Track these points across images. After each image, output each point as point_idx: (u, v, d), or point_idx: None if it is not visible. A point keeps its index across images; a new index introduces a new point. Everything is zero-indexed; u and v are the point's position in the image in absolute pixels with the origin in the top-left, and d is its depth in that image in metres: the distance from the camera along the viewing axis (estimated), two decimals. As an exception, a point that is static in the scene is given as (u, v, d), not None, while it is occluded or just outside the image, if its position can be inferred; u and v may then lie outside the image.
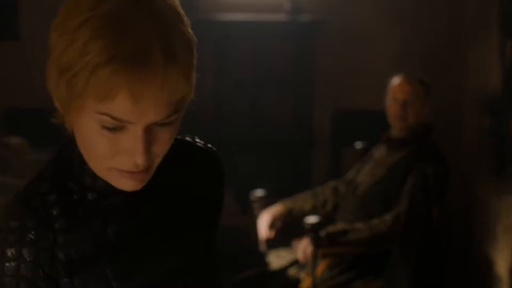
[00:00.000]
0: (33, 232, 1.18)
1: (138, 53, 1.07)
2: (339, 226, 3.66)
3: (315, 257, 3.46)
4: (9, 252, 1.17)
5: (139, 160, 1.13)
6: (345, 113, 5.94)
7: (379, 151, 3.89)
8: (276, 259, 3.87)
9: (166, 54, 1.11)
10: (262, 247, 3.90)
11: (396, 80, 3.83)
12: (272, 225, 3.82)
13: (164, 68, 1.10)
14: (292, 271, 3.78)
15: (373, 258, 3.62)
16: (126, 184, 1.18)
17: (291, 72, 5.77)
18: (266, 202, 4.00)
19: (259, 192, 4.06)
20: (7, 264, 1.18)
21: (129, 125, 1.11)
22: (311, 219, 3.48)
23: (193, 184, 1.37)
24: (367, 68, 5.84)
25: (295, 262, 3.79)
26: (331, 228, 3.60)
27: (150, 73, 1.08)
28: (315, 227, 3.42)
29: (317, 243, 3.43)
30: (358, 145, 4.21)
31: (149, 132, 1.13)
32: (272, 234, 3.83)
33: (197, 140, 1.44)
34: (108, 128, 1.11)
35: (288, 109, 5.77)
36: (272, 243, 3.92)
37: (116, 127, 1.11)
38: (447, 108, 5.67)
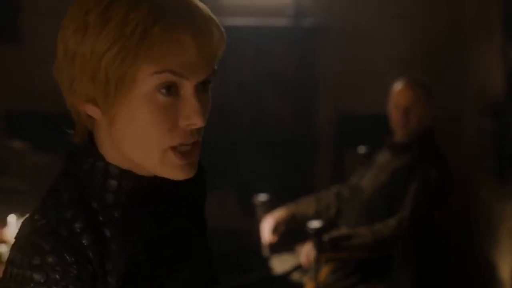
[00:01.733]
0: (74, 266, 1.13)
1: (184, 8, 1.17)
2: (342, 231, 3.65)
3: (318, 261, 3.46)
4: None
5: (196, 119, 1.17)
6: (348, 116, 5.94)
7: (382, 156, 3.88)
8: (279, 264, 3.86)
9: (207, 10, 1.23)
10: (265, 251, 3.89)
11: (397, 86, 3.82)
12: (275, 230, 3.82)
13: (210, 20, 1.23)
14: (295, 276, 3.77)
15: (376, 262, 3.62)
16: (181, 170, 1.19)
17: (293, 76, 5.77)
18: (269, 207, 3.99)
19: (262, 197, 4.06)
20: None
21: (182, 86, 1.16)
22: (314, 224, 3.48)
23: (195, 192, 1.41)
24: (369, 72, 5.84)
25: (298, 267, 3.79)
26: (334, 233, 3.60)
27: (203, 24, 1.19)
28: (318, 232, 3.42)
29: (320, 248, 3.43)
30: (361, 149, 4.20)
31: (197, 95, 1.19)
32: (275, 238, 3.82)
33: None
34: (164, 93, 1.14)
35: (291, 113, 5.77)
36: (275, 248, 3.91)
37: (172, 87, 1.15)
38: (449, 109, 5.66)
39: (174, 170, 1.19)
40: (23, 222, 1.19)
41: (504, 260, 4.59)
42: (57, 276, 1.11)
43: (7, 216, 3.00)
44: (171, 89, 1.15)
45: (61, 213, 1.16)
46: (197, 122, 1.18)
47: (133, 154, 1.19)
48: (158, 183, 1.24)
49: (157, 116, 1.15)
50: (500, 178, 5.17)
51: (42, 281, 1.11)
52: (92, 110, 1.18)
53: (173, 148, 1.18)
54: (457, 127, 5.77)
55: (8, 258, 1.16)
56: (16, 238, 1.17)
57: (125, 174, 1.22)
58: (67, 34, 1.16)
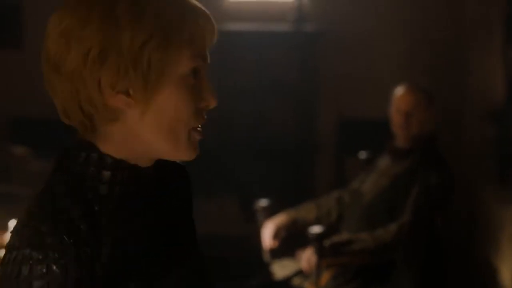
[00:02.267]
0: (73, 248, 1.16)
1: (193, 2, 1.29)
2: (343, 236, 3.66)
3: (319, 267, 3.46)
4: (56, 269, 1.15)
5: (213, 100, 1.30)
6: (349, 122, 5.95)
7: (384, 161, 3.89)
8: (280, 269, 3.87)
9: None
10: (266, 257, 3.90)
11: (398, 91, 3.83)
12: (276, 235, 3.82)
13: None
14: (296, 281, 3.77)
15: (377, 267, 3.62)
16: (195, 149, 1.31)
17: (295, 81, 5.78)
18: (270, 212, 4.00)
19: (263, 202, 4.06)
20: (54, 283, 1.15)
21: (200, 70, 1.28)
22: (315, 229, 3.48)
23: (182, 189, 1.46)
24: (370, 77, 5.85)
25: (299, 272, 3.79)
26: (335, 238, 3.60)
27: (207, 14, 1.31)
28: (319, 237, 3.43)
29: (321, 253, 3.43)
30: (362, 155, 4.21)
31: None
32: (276, 244, 3.83)
33: None
34: (193, 76, 1.25)
35: (292, 118, 5.78)
36: (276, 253, 3.92)
37: (197, 71, 1.27)
38: (450, 113, 5.67)
39: (193, 149, 1.30)
40: (20, 217, 1.21)
41: (505, 264, 4.59)
42: (56, 255, 1.14)
43: (8, 221, 3.02)
44: (196, 72, 1.27)
45: (57, 203, 1.20)
46: (214, 103, 1.30)
47: (161, 139, 1.26)
48: (151, 173, 1.32)
49: (188, 98, 1.26)
50: (501, 182, 5.18)
51: (40, 257, 1.13)
52: (124, 101, 1.22)
53: (194, 129, 1.29)
54: (458, 131, 5.78)
55: (7, 245, 1.18)
56: (13, 229, 1.19)
57: (119, 164, 1.26)
58: (88, 34, 1.19)
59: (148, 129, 1.25)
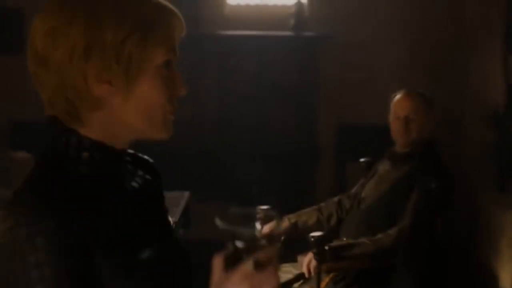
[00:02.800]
0: (58, 223, 1.24)
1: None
2: (344, 240, 3.67)
3: (319, 271, 3.46)
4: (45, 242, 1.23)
5: (183, 89, 1.44)
6: (349, 127, 5.95)
7: (383, 166, 3.90)
8: (281, 274, 3.86)
9: None
10: (267, 261, 3.89)
11: (398, 96, 3.84)
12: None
13: None
14: (296, 286, 3.77)
15: (378, 272, 3.62)
16: (171, 128, 1.44)
17: (295, 86, 5.79)
18: (270, 217, 3.99)
19: (263, 207, 4.06)
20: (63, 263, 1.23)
21: (171, 63, 1.42)
22: (316, 234, 3.48)
23: (152, 180, 1.59)
24: (370, 83, 5.86)
25: (300, 277, 3.79)
26: (335, 243, 3.61)
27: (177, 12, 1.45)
28: (319, 242, 3.43)
29: (321, 258, 3.43)
30: (362, 160, 4.21)
31: None
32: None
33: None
34: (165, 67, 1.39)
35: (292, 123, 5.79)
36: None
37: (171, 61, 1.41)
38: (450, 118, 5.68)
39: (168, 130, 1.44)
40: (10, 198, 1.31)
41: (504, 268, 4.60)
42: (44, 230, 1.23)
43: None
44: (169, 64, 1.41)
45: (45, 186, 1.31)
46: (184, 91, 1.44)
47: (141, 122, 1.40)
48: (127, 157, 1.47)
49: (163, 86, 1.39)
50: (500, 186, 5.19)
51: (30, 233, 1.22)
52: (107, 91, 1.35)
53: (168, 112, 1.43)
54: (458, 137, 5.79)
55: (8, 226, 1.24)
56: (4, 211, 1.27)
57: (97, 145, 1.38)
58: (74, 32, 1.31)
59: (129, 114, 1.38)
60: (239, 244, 1.31)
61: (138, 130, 1.42)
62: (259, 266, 1.28)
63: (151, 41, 1.36)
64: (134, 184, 1.49)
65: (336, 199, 4.05)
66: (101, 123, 1.38)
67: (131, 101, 1.38)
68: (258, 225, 1.37)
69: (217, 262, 1.28)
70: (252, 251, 1.30)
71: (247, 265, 1.27)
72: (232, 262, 1.29)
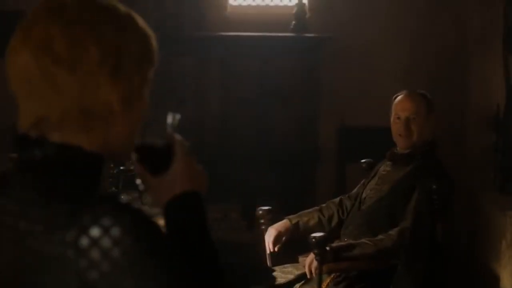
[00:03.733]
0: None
1: None
2: (345, 241, 3.67)
3: (320, 272, 3.46)
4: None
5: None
6: (351, 129, 5.96)
7: (384, 167, 3.91)
8: (282, 274, 3.88)
9: None
10: (268, 262, 3.91)
11: (398, 97, 3.84)
12: (277, 241, 3.83)
13: None
14: (298, 287, 3.78)
15: (379, 273, 3.62)
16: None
17: (296, 89, 5.79)
18: (272, 218, 4.01)
19: (264, 208, 4.07)
20: None
21: None
22: (317, 235, 3.48)
23: None
24: (372, 85, 5.86)
25: (301, 277, 3.79)
26: (336, 244, 3.61)
27: None
28: (320, 243, 3.42)
29: (322, 258, 3.43)
30: (363, 161, 4.22)
31: None
32: (278, 249, 3.84)
33: None
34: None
35: (294, 125, 5.79)
36: (278, 259, 3.93)
37: None
38: (451, 123, 5.69)
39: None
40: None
41: (505, 269, 4.61)
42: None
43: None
44: None
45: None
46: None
47: (128, 141, 1.38)
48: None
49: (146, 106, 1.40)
50: (500, 188, 5.20)
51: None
52: (121, 107, 1.32)
53: None
54: (458, 139, 5.79)
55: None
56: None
57: (102, 161, 1.35)
58: (107, 40, 1.30)
59: (124, 131, 1.36)
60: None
61: (121, 147, 1.38)
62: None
63: (152, 62, 1.38)
64: None
65: (337, 200, 4.06)
66: (101, 137, 1.33)
67: (130, 118, 1.36)
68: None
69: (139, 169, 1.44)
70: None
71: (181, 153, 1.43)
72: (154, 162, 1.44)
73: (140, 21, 1.37)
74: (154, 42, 1.39)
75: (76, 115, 1.29)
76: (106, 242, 1.19)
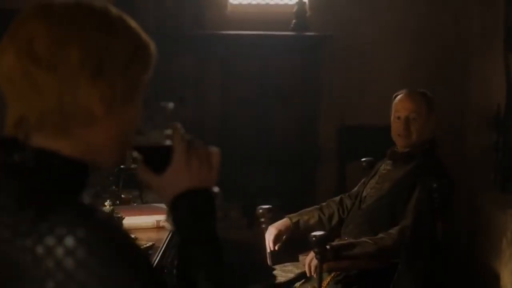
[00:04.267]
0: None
1: None
2: (345, 240, 3.68)
3: (321, 271, 3.47)
4: None
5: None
6: (351, 128, 5.96)
7: (384, 166, 3.91)
8: (282, 273, 3.88)
9: None
10: (269, 261, 3.91)
11: (398, 97, 3.84)
12: (278, 239, 3.84)
13: None
14: (298, 285, 3.78)
15: (379, 271, 3.62)
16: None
17: (297, 88, 5.79)
18: (272, 217, 4.01)
19: (265, 207, 4.07)
20: None
21: None
22: (317, 233, 3.48)
23: None
24: (373, 84, 5.87)
25: (301, 276, 3.80)
26: (337, 242, 3.62)
27: None
28: (321, 241, 3.43)
29: (323, 257, 3.44)
30: (364, 159, 4.23)
31: None
32: (278, 248, 3.84)
33: None
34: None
35: (294, 124, 5.79)
36: (278, 257, 3.93)
37: None
38: (451, 123, 5.69)
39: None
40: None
41: (505, 268, 4.61)
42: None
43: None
44: None
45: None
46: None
47: (115, 147, 1.35)
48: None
49: (140, 114, 1.39)
50: (500, 188, 5.20)
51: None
52: (104, 111, 1.30)
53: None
54: (459, 139, 5.79)
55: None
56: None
57: (84, 169, 1.33)
58: (90, 42, 1.28)
59: (111, 136, 1.33)
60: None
61: (103, 153, 1.34)
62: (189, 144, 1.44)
63: (145, 66, 1.35)
64: None
65: (337, 198, 4.07)
66: (82, 141, 1.31)
67: (114, 123, 1.32)
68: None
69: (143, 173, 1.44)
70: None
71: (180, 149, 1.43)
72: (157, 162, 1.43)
73: (133, 25, 1.35)
74: (149, 46, 1.36)
75: (56, 118, 1.27)
76: (59, 252, 1.17)
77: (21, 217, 1.21)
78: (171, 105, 1.43)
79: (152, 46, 1.37)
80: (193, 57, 5.73)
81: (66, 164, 1.29)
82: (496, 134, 5.44)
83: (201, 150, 1.45)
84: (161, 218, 3.41)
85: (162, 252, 2.98)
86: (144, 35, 1.36)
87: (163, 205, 3.67)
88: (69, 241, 1.17)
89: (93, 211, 1.24)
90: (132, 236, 1.32)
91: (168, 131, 1.43)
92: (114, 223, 1.28)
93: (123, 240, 1.24)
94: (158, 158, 1.43)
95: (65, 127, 1.29)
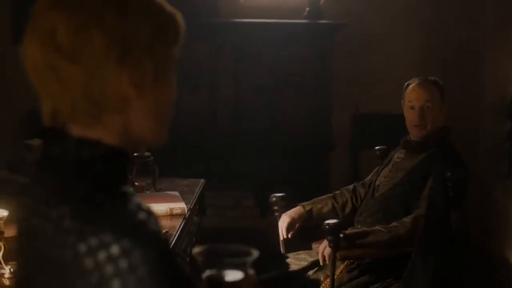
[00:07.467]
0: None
1: None
2: (358, 228, 3.67)
3: (334, 259, 3.47)
4: None
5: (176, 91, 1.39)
6: (364, 116, 5.96)
7: (398, 154, 3.90)
8: (296, 261, 3.88)
9: None
10: (282, 249, 3.91)
11: (411, 86, 3.82)
12: (291, 227, 3.84)
13: None
14: (311, 273, 3.78)
15: (393, 260, 3.62)
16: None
17: (310, 76, 5.79)
18: (286, 205, 4.01)
19: (278, 195, 4.07)
20: None
21: None
22: (331, 221, 3.47)
23: None
24: (386, 73, 5.86)
25: (314, 264, 3.79)
26: (350, 231, 3.61)
27: None
28: (334, 229, 3.42)
29: (336, 245, 3.43)
30: (377, 148, 4.22)
31: None
32: (291, 236, 3.85)
33: None
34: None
35: (307, 113, 5.79)
36: (292, 245, 3.93)
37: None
38: (465, 113, 5.67)
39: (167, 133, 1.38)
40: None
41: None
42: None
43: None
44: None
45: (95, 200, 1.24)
46: (176, 94, 1.39)
47: (153, 125, 1.34)
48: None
49: (175, 91, 1.38)
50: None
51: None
52: (136, 93, 1.29)
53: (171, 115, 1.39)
54: (475, 131, 5.78)
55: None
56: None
57: (123, 155, 1.32)
58: (111, 26, 1.25)
59: (145, 116, 1.32)
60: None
61: (147, 134, 1.34)
62: None
63: (172, 41, 1.34)
64: None
65: (351, 187, 4.06)
66: (119, 127, 1.30)
67: (150, 103, 1.31)
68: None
69: None
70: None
71: None
72: None
73: (154, 0, 1.33)
74: (175, 18, 1.35)
75: (87, 107, 1.26)
76: (102, 256, 1.16)
77: (63, 212, 1.20)
78: (255, 253, 1.36)
79: (179, 17, 1.35)
80: (207, 45, 5.74)
81: (107, 153, 1.29)
82: (510, 124, 5.42)
83: None
84: (174, 205, 3.42)
85: (176, 240, 2.99)
86: (168, 8, 1.34)
87: (176, 193, 3.69)
88: (115, 249, 1.16)
89: (137, 214, 1.22)
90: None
91: (242, 276, 1.37)
92: (157, 234, 1.24)
93: (164, 259, 1.21)
94: None
95: (98, 115, 1.27)
